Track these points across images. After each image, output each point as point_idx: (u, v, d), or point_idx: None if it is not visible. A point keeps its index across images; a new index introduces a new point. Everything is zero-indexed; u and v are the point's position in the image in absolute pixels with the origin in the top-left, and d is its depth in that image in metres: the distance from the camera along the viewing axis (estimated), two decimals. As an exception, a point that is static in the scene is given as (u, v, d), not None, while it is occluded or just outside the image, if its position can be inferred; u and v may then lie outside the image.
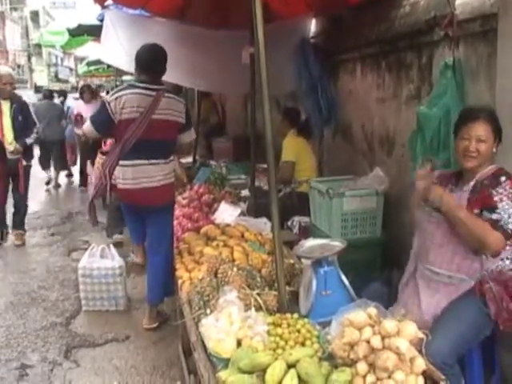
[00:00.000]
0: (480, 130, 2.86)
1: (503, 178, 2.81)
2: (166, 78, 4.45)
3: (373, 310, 2.29)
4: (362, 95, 5.32)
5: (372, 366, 2.16)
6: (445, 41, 3.75)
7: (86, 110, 10.34)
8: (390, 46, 4.65)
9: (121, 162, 4.15)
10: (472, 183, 2.89)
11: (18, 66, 50.86)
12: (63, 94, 16.02)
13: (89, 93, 10.81)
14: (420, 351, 2.22)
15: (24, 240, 7.24)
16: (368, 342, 2.17)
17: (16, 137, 6.79)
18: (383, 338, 2.16)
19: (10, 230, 7.37)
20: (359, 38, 5.13)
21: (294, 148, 5.73)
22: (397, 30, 4.44)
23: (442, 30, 3.65)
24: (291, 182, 5.69)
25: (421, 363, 2.15)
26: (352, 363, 2.21)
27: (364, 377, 2.14)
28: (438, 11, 3.75)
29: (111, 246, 5.13)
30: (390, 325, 2.16)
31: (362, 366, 2.16)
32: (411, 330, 2.18)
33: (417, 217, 3.14)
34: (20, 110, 6.89)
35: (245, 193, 5.99)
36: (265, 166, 5.67)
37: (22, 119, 6.89)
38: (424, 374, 2.18)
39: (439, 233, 2.97)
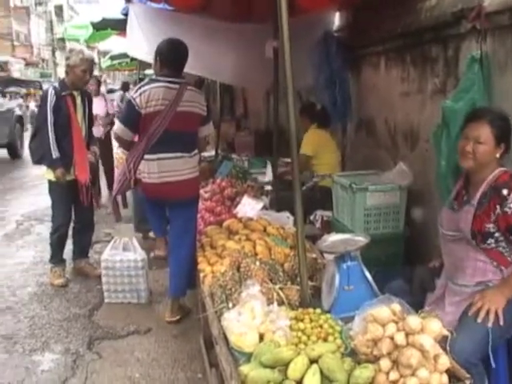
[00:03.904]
0: (479, 131, 2.83)
1: (505, 192, 2.74)
2: (189, 69, 4.47)
3: (397, 307, 2.26)
4: (386, 89, 5.27)
5: (395, 363, 2.14)
6: (472, 34, 3.68)
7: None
8: (415, 39, 4.59)
9: (146, 156, 4.17)
10: (478, 195, 2.85)
11: (43, 60, 51.53)
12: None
13: (96, 86, 9.11)
14: (444, 349, 2.19)
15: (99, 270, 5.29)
16: (392, 338, 2.16)
17: (87, 138, 5.55)
18: (407, 334, 2.14)
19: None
20: (383, 31, 5.08)
21: (313, 142, 5.71)
22: (422, 22, 4.38)
23: (470, 23, 3.59)
24: (308, 175, 5.66)
25: (445, 361, 2.13)
26: (375, 359, 2.20)
27: (387, 373, 2.13)
28: (466, 3, 3.69)
29: (134, 238, 5.15)
30: (414, 321, 2.13)
31: (385, 363, 2.14)
32: (436, 327, 2.16)
33: (440, 238, 3.13)
34: (89, 103, 5.59)
35: (267, 187, 5.98)
36: (286, 159, 5.72)
37: (90, 116, 5.61)
38: (448, 371, 2.15)
39: (459, 248, 2.95)
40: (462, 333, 2.58)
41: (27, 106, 26.90)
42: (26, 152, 14.96)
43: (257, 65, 5.99)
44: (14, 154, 15.45)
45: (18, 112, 16.11)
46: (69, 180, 5.29)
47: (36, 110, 27.72)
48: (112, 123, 9.36)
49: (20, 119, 16.25)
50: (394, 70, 5.09)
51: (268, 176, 5.92)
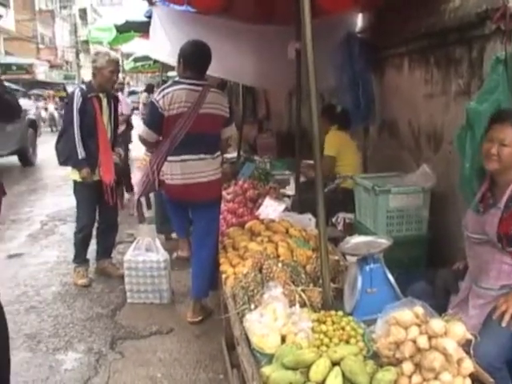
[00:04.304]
0: (504, 133, 2.80)
1: None
2: (212, 72, 4.49)
3: (419, 309, 2.25)
4: (409, 91, 5.24)
5: (418, 366, 2.12)
6: (497, 35, 3.65)
7: None
8: (439, 40, 4.56)
9: (169, 158, 4.21)
10: (505, 198, 2.82)
11: (67, 63, 52.09)
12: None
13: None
14: (468, 352, 2.17)
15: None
16: (414, 341, 2.14)
17: (112, 140, 5.63)
18: (430, 337, 2.12)
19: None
20: (407, 32, 5.05)
21: (335, 142, 5.71)
22: (446, 23, 4.35)
23: (494, 24, 3.56)
24: (330, 177, 5.65)
25: (469, 365, 2.11)
26: (397, 363, 2.18)
27: (410, 377, 2.11)
28: (490, 4, 3.65)
29: (156, 239, 5.19)
30: (437, 325, 2.12)
31: (407, 366, 2.13)
32: (459, 330, 2.14)
33: (465, 241, 3.10)
34: (115, 106, 5.67)
35: (289, 188, 5.98)
36: (309, 161, 5.71)
37: (115, 118, 5.68)
38: (471, 376, 2.13)
39: (484, 251, 2.92)
40: (485, 336, 2.55)
41: (46, 109, 27.01)
42: (39, 158, 14.74)
43: (279, 66, 6.00)
44: (26, 161, 14.43)
45: (31, 116, 15.03)
46: (94, 180, 5.35)
47: (55, 113, 27.44)
48: (128, 123, 9.42)
49: (33, 123, 14.97)
50: (418, 72, 5.06)
51: (291, 189, 5.93)
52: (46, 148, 12.26)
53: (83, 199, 5.49)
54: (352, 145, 5.92)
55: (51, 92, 31.44)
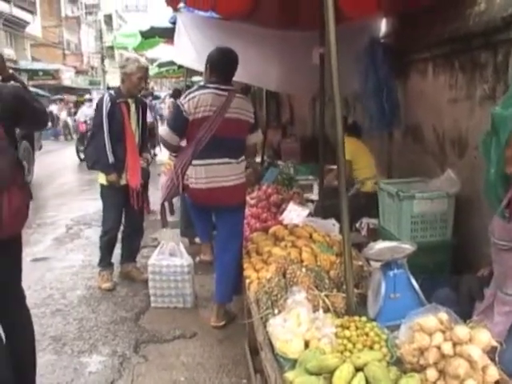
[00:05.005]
0: None
1: None
2: (236, 77, 4.52)
3: (444, 316, 2.23)
4: (434, 96, 5.21)
5: (442, 373, 2.11)
6: (523, 39, 3.63)
7: None
8: (464, 44, 4.53)
9: (193, 162, 4.23)
10: None
11: (92, 68, 52.67)
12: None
13: None
14: (493, 360, 2.15)
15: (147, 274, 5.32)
16: (439, 348, 2.13)
17: (140, 145, 5.61)
18: (455, 344, 2.11)
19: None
20: (431, 37, 5.03)
21: (348, 147, 5.68)
22: (471, 28, 4.32)
23: (520, 28, 3.53)
24: (349, 181, 5.64)
25: (494, 372, 2.09)
26: (421, 369, 2.18)
27: (434, 383, 2.10)
28: (516, 8, 3.63)
29: (180, 244, 5.21)
30: (462, 331, 2.10)
31: (431, 373, 2.12)
32: (484, 337, 2.12)
33: (491, 247, 3.07)
34: (143, 112, 5.67)
35: (313, 194, 5.99)
36: (332, 166, 5.72)
37: (143, 123, 5.66)
38: (497, 383, 2.11)
39: (510, 257, 2.88)
40: (511, 344, 2.53)
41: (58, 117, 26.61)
42: (36, 177, 13.17)
43: (303, 71, 6.01)
44: None
45: None
46: (121, 185, 5.42)
47: (69, 119, 26.85)
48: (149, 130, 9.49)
49: (28, 136, 12.43)
50: (442, 77, 5.03)
51: (315, 195, 5.94)
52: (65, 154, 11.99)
53: (110, 203, 5.55)
54: (364, 148, 5.97)
55: (67, 97, 31.35)
